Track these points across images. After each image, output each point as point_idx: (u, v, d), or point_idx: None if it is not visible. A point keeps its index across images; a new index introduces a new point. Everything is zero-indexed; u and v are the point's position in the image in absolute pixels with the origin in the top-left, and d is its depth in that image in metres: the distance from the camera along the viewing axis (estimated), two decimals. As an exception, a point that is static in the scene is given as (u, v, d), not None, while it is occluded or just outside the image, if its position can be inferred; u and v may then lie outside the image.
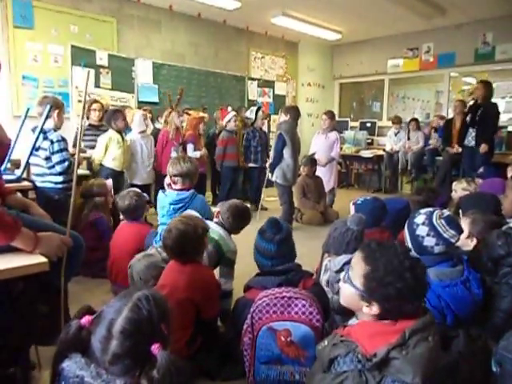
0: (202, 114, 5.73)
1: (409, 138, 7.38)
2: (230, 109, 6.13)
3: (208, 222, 2.61)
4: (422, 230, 1.88)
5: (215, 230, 2.56)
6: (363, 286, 1.31)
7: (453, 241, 1.85)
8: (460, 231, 1.90)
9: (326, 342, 1.35)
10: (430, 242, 1.86)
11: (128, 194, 3.18)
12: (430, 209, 1.96)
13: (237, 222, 2.65)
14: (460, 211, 2.66)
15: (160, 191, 2.94)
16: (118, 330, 0.97)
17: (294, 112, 4.92)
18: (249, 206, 6.11)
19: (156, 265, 2.33)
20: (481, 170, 4.79)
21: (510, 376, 1.39)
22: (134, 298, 1.03)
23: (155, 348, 0.98)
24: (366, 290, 1.31)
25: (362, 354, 1.22)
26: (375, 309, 1.31)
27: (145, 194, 3.31)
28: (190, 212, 2.58)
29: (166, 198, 2.83)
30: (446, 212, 1.93)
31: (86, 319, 1.05)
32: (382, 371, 1.19)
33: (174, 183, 2.84)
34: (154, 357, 0.97)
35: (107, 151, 4.28)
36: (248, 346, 1.90)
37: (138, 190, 3.33)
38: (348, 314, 1.57)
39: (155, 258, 2.39)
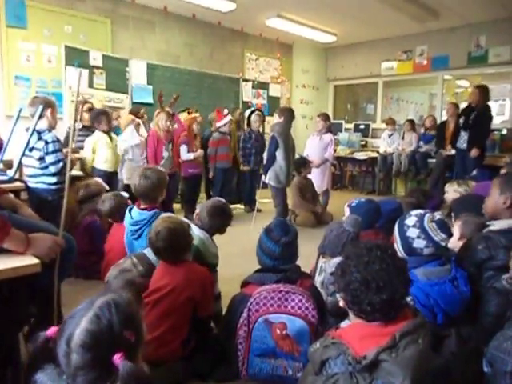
0: (193, 115, 5.67)
1: (403, 139, 7.42)
2: (226, 111, 6.10)
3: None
4: (412, 232, 1.89)
5: (195, 234, 2.45)
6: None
7: (443, 244, 1.86)
8: (450, 234, 1.91)
9: (317, 345, 1.35)
10: (419, 244, 1.87)
11: (106, 197, 3.21)
12: (421, 211, 1.97)
13: (215, 220, 2.52)
14: (452, 214, 2.67)
15: (127, 210, 2.74)
16: (78, 344, 0.94)
17: (288, 113, 4.91)
18: (243, 207, 6.16)
19: (132, 282, 2.19)
20: (474, 172, 4.82)
21: (501, 375, 1.39)
22: (94, 307, 0.99)
23: (117, 358, 0.94)
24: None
25: (352, 356, 1.22)
26: (341, 302, 1.35)
27: (123, 194, 3.36)
28: (165, 214, 2.51)
29: (127, 218, 2.69)
30: (437, 215, 1.94)
31: (51, 330, 1.03)
32: (372, 373, 1.19)
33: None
34: (117, 367, 0.94)
35: (96, 153, 4.23)
36: (243, 338, 1.91)
37: (115, 191, 3.42)
38: (342, 316, 1.58)
39: (131, 274, 2.25)
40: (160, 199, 2.77)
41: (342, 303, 1.37)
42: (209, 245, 2.49)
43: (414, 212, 1.97)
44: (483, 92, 5.68)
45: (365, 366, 1.18)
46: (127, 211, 2.73)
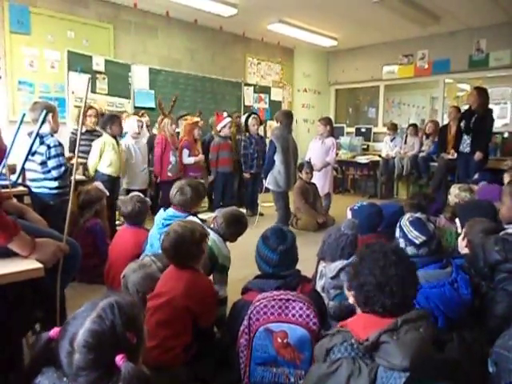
0: (195, 119, 5.69)
1: (405, 143, 7.42)
2: (225, 114, 6.13)
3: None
4: (396, 232, 2.02)
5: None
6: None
7: (416, 242, 1.92)
8: (427, 234, 1.94)
9: (324, 340, 1.38)
10: (402, 243, 1.97)
11: (131, 199, 3.14)
12: (413, 213, 2.06)
13: (230, 228, 2.62)
14: (457, 219, 2.67)
15: (162, 208, 2.95)
16: (80, 344, 0.95)
17: (285, 117, 4.90)
18: (245, 211, 6.15)
19: (152, 276, 2.27)
20: (476, 176, 4.80)
21: (506, 373, 1.39)
22: (97, 308, 0.99)
23: (119, 359, 0.95)
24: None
25: (355, 339, 1.27)
26: (351, 299, 1.39)
27: (147, 199, 3.30)
28: (191, 218, 2.59)
29: (162, 214, 2.88)
30: (417, 215, 2.03)
31: (54, 331, 1.03)
32: (374, 360, 1.22)
33: None
34: (118, 368, 0.94)
35: (102, 157, 4.23)
36: (244, 347, 1.90)
37: (141, 195, 3.31)
38: (344, 319, 1.57)
39: (150, 269, 2.32)
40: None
41: (351, 300, 1.41)
42: (221, 246, 2.56)
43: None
44: (482, 94, 5.63)
45: (366, 346, 1.22)
46: (161, 209, 2.94)
